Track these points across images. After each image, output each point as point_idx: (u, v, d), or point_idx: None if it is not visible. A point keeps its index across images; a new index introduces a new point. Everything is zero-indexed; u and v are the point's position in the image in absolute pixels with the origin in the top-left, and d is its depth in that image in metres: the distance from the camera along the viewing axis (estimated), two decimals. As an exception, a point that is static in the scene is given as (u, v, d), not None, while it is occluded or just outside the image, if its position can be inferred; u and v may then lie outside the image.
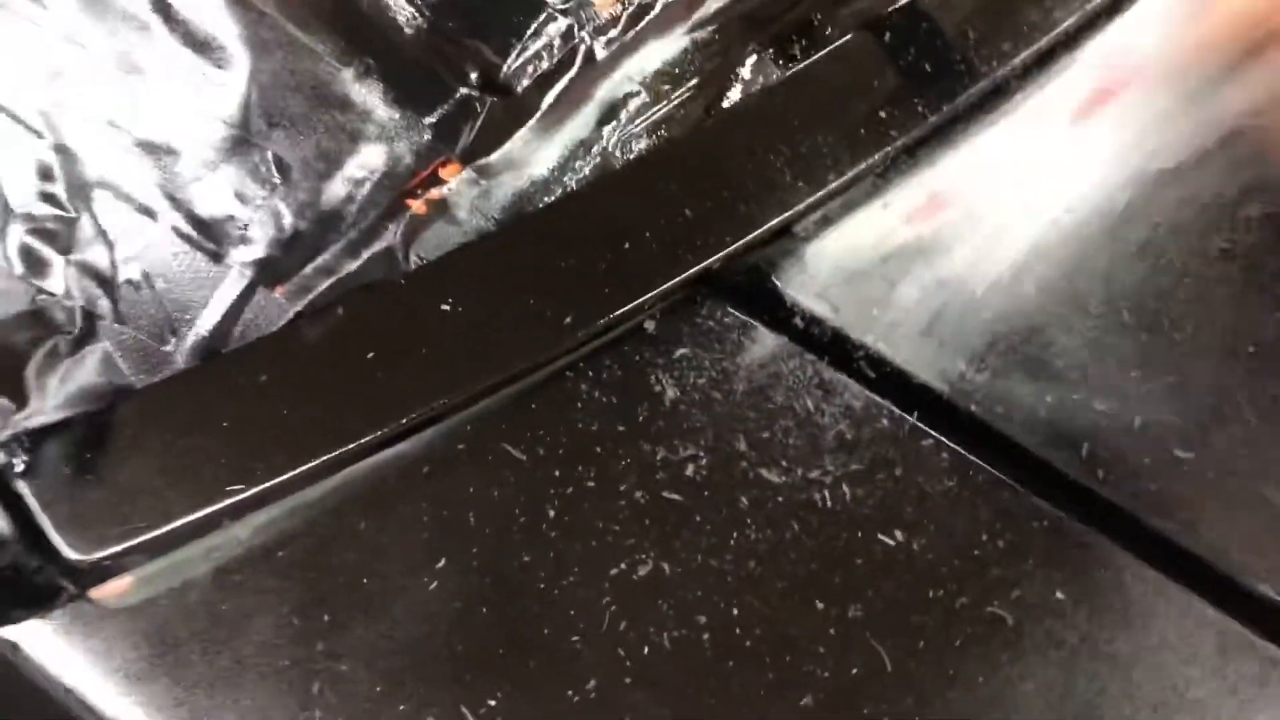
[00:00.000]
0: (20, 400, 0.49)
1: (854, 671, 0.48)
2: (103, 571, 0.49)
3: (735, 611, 0.49)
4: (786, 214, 0.55)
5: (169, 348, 0.52)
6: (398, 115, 0.53)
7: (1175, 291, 0.55)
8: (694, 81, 0.57)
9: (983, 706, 0.48)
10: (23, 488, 0.49)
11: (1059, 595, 0.50)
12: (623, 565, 0.49)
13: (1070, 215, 0.56)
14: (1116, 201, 0.57)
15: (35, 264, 0.51)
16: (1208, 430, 0.52)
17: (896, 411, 0.52)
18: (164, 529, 0.49)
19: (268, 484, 0.49)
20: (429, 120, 0.53)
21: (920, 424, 0.52)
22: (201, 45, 0.51)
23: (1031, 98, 0.59)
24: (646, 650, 0.48)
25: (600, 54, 0.55)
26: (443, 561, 0.49)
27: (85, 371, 0.50)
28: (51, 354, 0.50)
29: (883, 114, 0.57)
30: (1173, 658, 0.49)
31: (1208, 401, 0.53)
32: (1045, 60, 0.58)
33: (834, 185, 0.55)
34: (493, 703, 0.47)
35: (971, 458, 0.52)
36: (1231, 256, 0.55)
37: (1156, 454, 0.52)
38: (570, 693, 0.48)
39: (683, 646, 0.48)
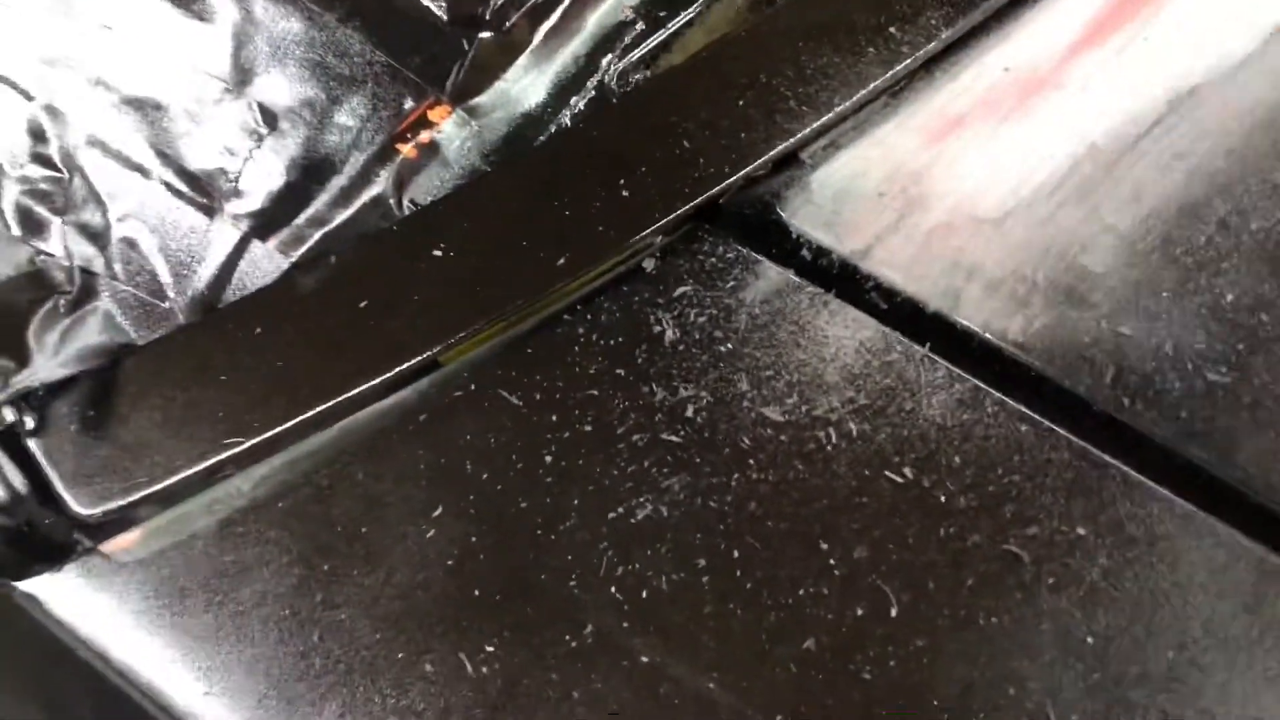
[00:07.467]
0: (22, 360, 0.49)
1: (859, 614, 0.46)
2: (112, 526, 0.50)
3: (735, 554, 0.48)
4: (792, 141, 0.52)
5: (168, 304, 0.52)
6: (383, 58, 0.52)
7: (1213, 205, 0.51)
8: (693, 6, 0.55)
9: (995, 649, 0.46)
10: (33, 446, 0.50)
11: (1080, 531, 0.47)
12: (620, 509, 0.48)
13: (1101, 133, 0.53)
14: (1151, 116, 0.53)
15: (32, 225, 0.52)
16: (1244, 352, 0.49)
17: (908, 343, 0.50)
18: (167, 482, 0.49)
19: (266, 435, 0.49)
20: (416, 62, 0.52)
21: (933, 354, 0.50)
22: (182, -1, 0.51)
23: (1058, 5, 0.55)
24: (645, 594, 0.47)
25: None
26: (440, 509, 0.49)
27: (87, 330, 0.51)
28: (51, 313, 0.51)
29: (893, 30, 0.54)
30: (1203, 594, 0.46)
31: (1245, 322, 0.50)
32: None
33: (842, 108, 0.53)
34: (490, 649, 0.47)
35: (987, 388, 0.49)
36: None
37: (1188, 378, 0.49)
38: (568, 637, 0.47)
39: (681, 590, 0.47)
